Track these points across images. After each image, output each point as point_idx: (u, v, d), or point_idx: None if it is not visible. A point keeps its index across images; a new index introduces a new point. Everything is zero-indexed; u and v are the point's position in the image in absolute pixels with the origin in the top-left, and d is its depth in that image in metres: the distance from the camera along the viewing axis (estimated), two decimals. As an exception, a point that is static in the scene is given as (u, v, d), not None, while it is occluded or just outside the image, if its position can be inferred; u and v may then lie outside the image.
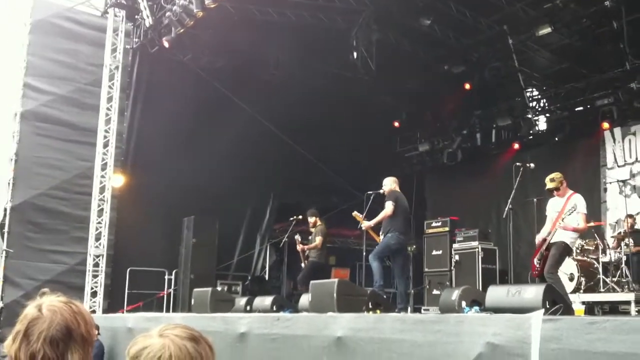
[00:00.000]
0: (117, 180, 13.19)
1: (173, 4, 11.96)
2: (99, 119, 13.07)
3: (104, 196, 12.90)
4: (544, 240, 7.49)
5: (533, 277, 8.08)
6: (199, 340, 1.64)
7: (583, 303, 9.02)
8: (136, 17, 13.59)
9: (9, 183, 12.84)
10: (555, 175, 7.74)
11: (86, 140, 13.37)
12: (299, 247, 11.06)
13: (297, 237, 11.27)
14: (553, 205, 7.79)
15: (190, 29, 12.10)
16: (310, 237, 11.42)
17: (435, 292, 12.18)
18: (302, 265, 11.28)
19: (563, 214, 7.36)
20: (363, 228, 9.55)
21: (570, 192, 7.72)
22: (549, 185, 7.71)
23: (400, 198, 9.44)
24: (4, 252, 12.47)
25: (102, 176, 12.94)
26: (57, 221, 13.10)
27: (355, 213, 9.65)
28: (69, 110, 13.52)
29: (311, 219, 11.22)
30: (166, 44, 12.75)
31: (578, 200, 7.56)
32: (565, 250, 7.54)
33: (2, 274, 12.40)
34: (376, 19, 13.11)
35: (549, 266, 7.28)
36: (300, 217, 11.45)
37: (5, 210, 12.77)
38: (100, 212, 12.83)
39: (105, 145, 13.05)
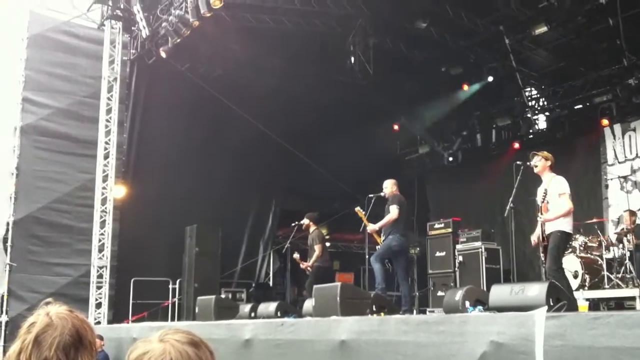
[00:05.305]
0: (118, 191, 13.20)
1: (169, 14, 11.99)
2: (98, 131, 13.09)
3: (106, 208, 12.90)
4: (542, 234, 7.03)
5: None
6: (199, 345, 1.63)
7: (587, 300, 8.98)
8: (133, 28, 13.63)
9: (10, 197, 12.88)
10: (541, 152, 7.32)
11: (86, 152, 13.41)
12: (303, 265, 11.01)
13: (296, 255, 11.23)
14: (541, 194, 7.23)
15: (186, 38, 12.11)
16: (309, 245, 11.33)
17: (440, 293, 12.14)
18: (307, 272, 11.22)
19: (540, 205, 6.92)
20: (368, 230, 9.54)
21: (551, 175, 7.20)
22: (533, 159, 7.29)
23: (403, 201, 9.48)
24: (8, 266, 12.50)
25: (104, 188, 12.94)
26: (60, 234, 13.15)
27: (357, 209, 9.62)
28: (69, 123, 13.59)
29: (305, 222, 11.16)
30: (163, 54, 12.77)
31: (555, 184, 7.04)
32: (562, 239, 6.95)
33: (6, 288, 12.43)
34: (372, 24, 13.12)
35: (549, 262, 6.81)
36: (302, 222, 11.40)
37: (7, 224, 12.81)
38: (103, 224, 12.83)
39: (106, 157, 13.06)
